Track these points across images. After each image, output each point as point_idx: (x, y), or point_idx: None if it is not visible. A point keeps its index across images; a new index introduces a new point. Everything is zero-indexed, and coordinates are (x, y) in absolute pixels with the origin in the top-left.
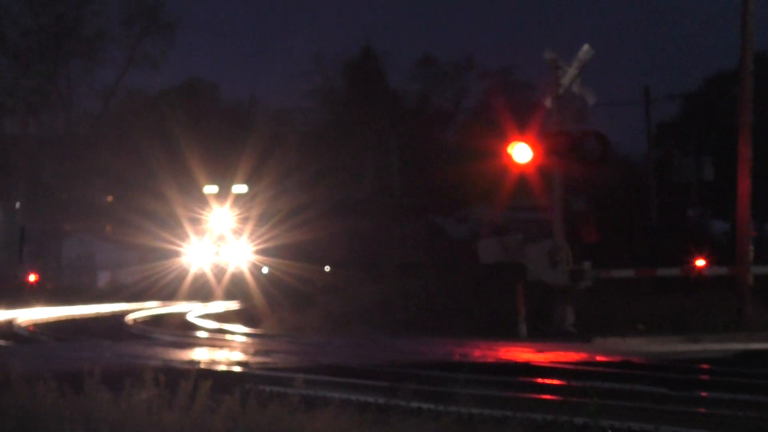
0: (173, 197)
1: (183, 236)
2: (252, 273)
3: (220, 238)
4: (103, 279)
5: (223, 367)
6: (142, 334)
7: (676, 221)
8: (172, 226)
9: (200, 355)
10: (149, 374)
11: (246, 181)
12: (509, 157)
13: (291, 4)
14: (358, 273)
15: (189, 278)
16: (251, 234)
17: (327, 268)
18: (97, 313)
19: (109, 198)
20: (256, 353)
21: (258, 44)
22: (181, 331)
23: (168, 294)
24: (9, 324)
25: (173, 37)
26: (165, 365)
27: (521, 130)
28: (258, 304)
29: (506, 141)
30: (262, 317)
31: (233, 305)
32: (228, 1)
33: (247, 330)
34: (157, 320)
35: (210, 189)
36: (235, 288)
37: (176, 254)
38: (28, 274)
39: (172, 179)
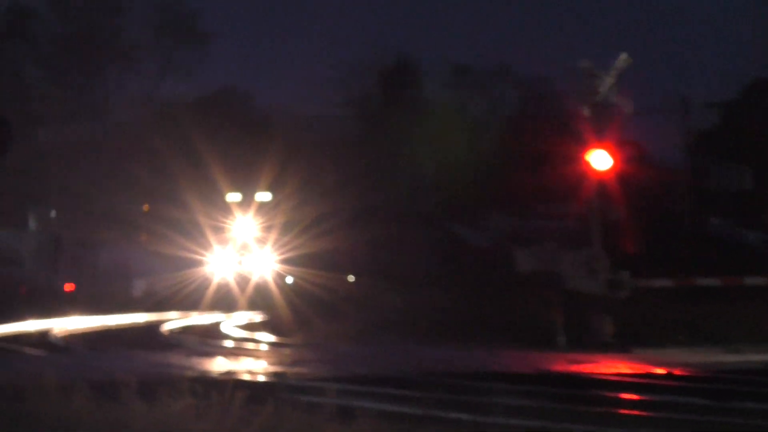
0: (196, 205)
1: (206, 245)
2: (276, 282)
3: (244, 246)
4: (139, 288)
5: (257, 377)
6: (176, 343)
7: (708, 230)
8: (195, 234)
9: (234, 364)
10: (184, 384)
11: (270, 189)
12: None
13: (325, 12)
14: (380, 282)
15: (212, 288)
16: (275, 243)
17: (351, 278)
18: (133, 323)
19: (145, 207)
20: (289, 363)
21: (290, 53)
22: (215, 340)
23: (190, 304)
24: (45, 333)
25: (208, 47)
26: (200, 375)
27: (561, 138)
28: (283, 315)
29: (547, 148)
30: (293, 327)
31: (258, 316)
32: (261, 10)
33: (278, 340)
34: (191, 330)
35: (233, 197)
36: (259, 298)
37: (199, 263)
38: (64, 283)
39: (194, 187)
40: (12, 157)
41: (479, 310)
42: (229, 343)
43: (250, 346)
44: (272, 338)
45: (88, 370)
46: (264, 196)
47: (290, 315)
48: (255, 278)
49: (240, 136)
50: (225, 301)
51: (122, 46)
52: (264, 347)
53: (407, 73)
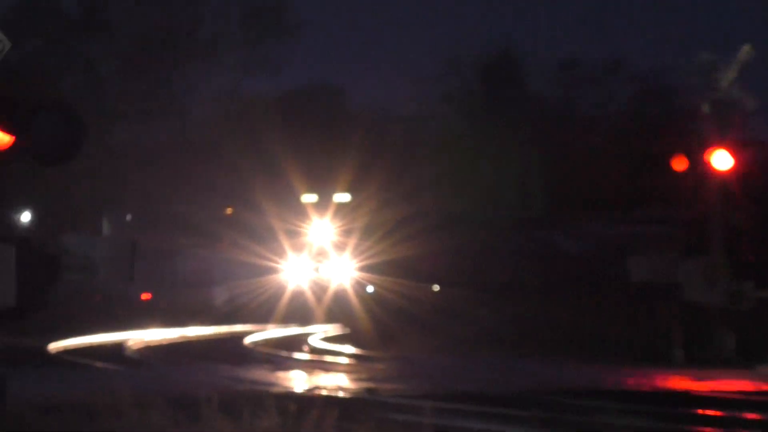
0: (269, 207)
1: (280, 251)
2: (356, 291)
3: (320, 252)
4: (220, 297)
5: (347, 393)
6: (259, 356)
7: None
8: (269, 239)
9: (322, 379)
10: (270, 401)
11: (349, 190)
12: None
13: (423, 3)
14: (468, 292)
15: (286, 297)
16: (354, 248)
17: (435, 287)
18: (212, 335)
19: (228, 210)
20: (380, 378)
21: (385, 45)
22: (299, 353)
23: (262, 315)
24: (120, 346)
25: (296, 40)
26: (286, 391)
27: (677, 137)
28: (366, 327)
29: (662, 148)
30: (379, 340)
31: (339, 327)
32: (354, 1)
33: (365, 353)
34: (272, 342)
35: (309, 198)
36: (337, 308)
37: (274, 271)
38: (141, 293)
39: (269, 188)
40: (85, 157)
41: (583, 322)
42: (314, 357)
43: (336, 359)
44: (359, 351)
45: (166, 386)
46: (343, 197)
47: (374, 327)
48: (333, 286)
49: (324, 134)
50: (300, 312)
51: (203, 38)
52: (352, 361)
53: (510, 67)
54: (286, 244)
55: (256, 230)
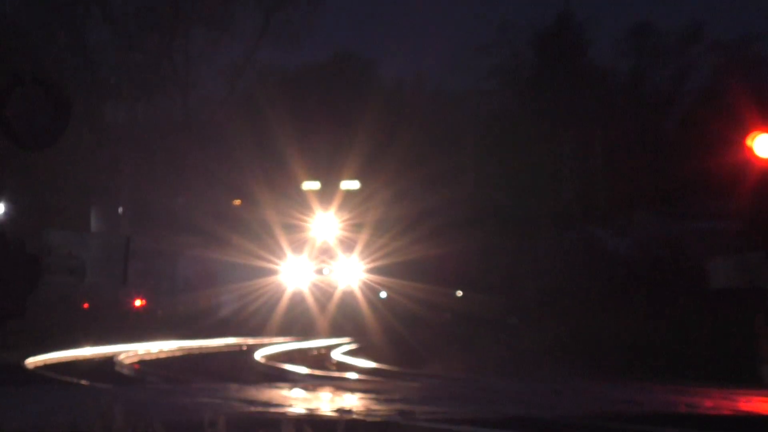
0: (262, 198)
1: (283, 249)
2: (367, 297)
3: (324, 251)
4: (226, 305)
5: (378, 417)
6: (272, 373)
7: None
8: (273, 236)
9: (347, 400)
10: (290, 426)
11: (358, 177)
12: (749, 150)
13: None
14: (496, 299)
15: (282, 305)
16: (365, 247)
17: (459, 293)
18: (220, 347)
19: (237, 201)
20: (417, 399)
21: (423, 13)
22: (320, 370)
23: (253, 328)
24: (110, 361)
25: (318, 7)
26: (308, 416)
27: (764, 117)
28: (384, 339)
29: (745, 130)
30: (406, 355)
31: (351, 339)
32: None
33: (394, 369)
34: (289, 356)
35: (310, 185)
36: (346, 316)
37: (276, 273)
38: (134, 298)
39: (266, 175)
40: (73, 141)
41: (648, 334)
42: (334, 373)
43: (360, 376)
44: (383, 367)
45: (165, 409)
46: (351, 184)
47: (391, 339)
48: (339, 291)
49: (341, 110)
50: (299, 323)
51: (210, 3)
52: (377, 378)
53: (571, 35)
54: (287, 242)
55: (264, 226)
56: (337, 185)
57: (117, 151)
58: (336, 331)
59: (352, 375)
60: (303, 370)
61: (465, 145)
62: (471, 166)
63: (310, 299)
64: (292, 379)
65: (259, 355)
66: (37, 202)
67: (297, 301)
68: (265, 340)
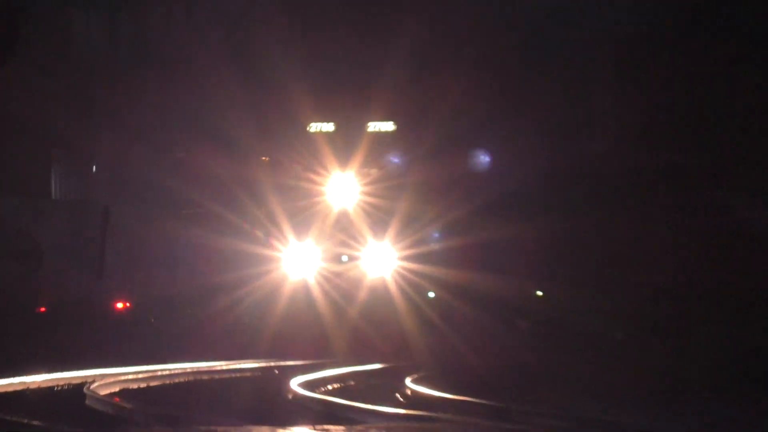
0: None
1: (271, 229)
2: (408, 297)
3: (344, 230)
4: (252, 311)
5: None
6: (323, 411)
7: None
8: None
9: None
10: None
11: (393, 116)
12: None
13: None
14: (591, 301)
15: (277, 309)
16: (402, 225)
17: (539, 293)
18: (235, 370)
19: (264, 158)
20: None
21: None
22: (390, 407)
23: (233, 350)
24: (78, 390)
25: None
26: None
27: None
28: (443, 359)
29: None
30: (493, 382)
31: (407, 358)
32: None
33: (492, 403)
34: (319, 383)
35: (321, 126)
36: (378, 323)
37: (261, 261)
38: (115, 298)
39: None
40: (28, 66)
41: None
42: (409, 410)
43: (454, 417)
44: (477, 400)
45: None
46: (382, 126)
47: (458, 358)
48: (366, 286)
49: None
50: (310, 333)
51: None
52: (479, 420)
53: None
54: (286, 216)
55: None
56: (361, 127)
57: (87, 86)
58: (360, 348)
59: (437, 413)
60: (362, 404)
61: (573, 65)
62: (595, 102)
63: (321, 301)
64: (351, 419)
65: (296, 383)
66: None
67: (300, 302)
68: (303, 362)
